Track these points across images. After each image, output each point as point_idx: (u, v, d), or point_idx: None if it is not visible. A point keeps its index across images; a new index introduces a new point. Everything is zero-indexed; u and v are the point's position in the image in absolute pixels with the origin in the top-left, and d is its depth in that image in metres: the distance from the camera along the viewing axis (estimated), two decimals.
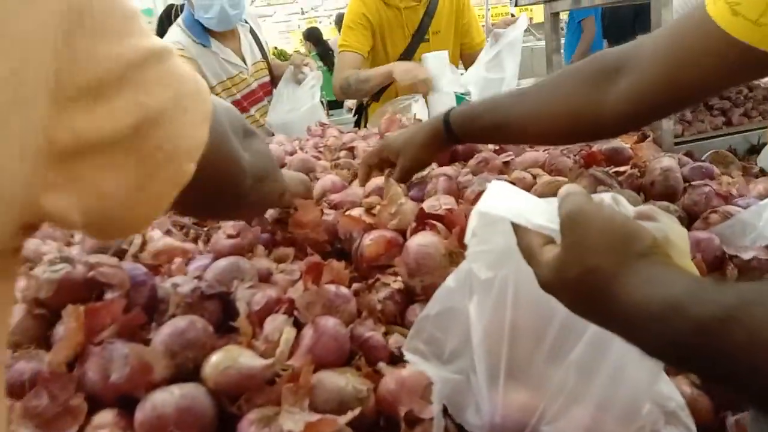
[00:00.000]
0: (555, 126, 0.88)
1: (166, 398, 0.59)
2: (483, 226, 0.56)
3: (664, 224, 0.48)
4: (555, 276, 0.48)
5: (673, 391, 0.57)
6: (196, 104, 0.46)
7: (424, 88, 1.91)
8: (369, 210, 0.92)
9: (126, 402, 0.61)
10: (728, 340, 0.36)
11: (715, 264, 0.77)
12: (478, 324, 0.59)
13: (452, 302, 0.61)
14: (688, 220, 0.88)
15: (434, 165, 1.18)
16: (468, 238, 0.58)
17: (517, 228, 0.52)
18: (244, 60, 2.16)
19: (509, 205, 0.53)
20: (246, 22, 2.21)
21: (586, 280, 0.45)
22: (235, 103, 2.14)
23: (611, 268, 0.44)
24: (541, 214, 0.51)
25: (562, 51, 2.00)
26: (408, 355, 0.63)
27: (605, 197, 0.50)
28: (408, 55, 2.29)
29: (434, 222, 0.80)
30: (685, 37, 0.73)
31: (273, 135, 1.93)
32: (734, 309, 0.37)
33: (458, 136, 0.98)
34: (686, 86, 0.74)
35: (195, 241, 0.93)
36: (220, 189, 0.56)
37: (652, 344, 0.42)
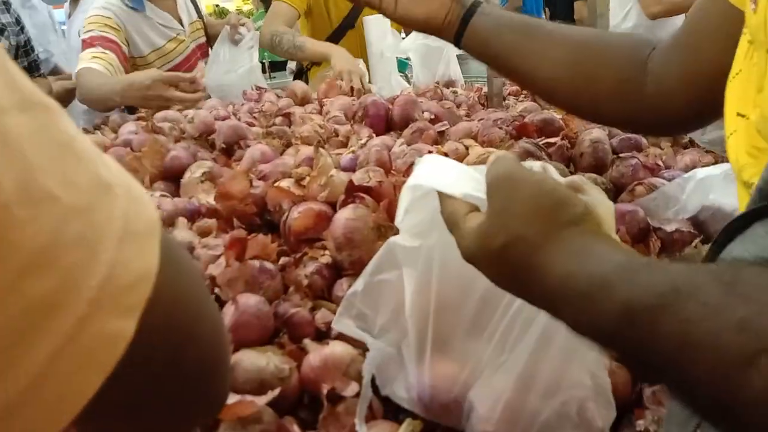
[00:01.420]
0: (588, 80, 0.78)
1: None
2: (414, 201, 0.55)
3: (592, 197, 0.47)
4: (478, 245, 0.45)
5: (599, 367, 0.57)
6: (131, 207, 0.26)
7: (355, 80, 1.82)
8: (299, 181, 0.90)
9: None
10: (655, 330, 0.34)
11: (639, 236, 0.79)
12: (406, 295, 0.58)
13: (380, 276, 0.60)
14: (615, 192, 0.89)
15: (369, 134, 1.16)
16: (400, 216, 0.56)
17: (441, 197, 0.50)
18: (181, 22, 2.05)
19: (438, 177, 0.51)
20: None
21: (510, 249, 0.42)
22: (174, 69, 2.04)
23: (538, 238, 0.42)
24: (468, 182, 0.49)
25: None
26: (339, 327, 0.61)
27: (534, 166, 0.49)
28: (351, 18, 2.23)
29: (363, 195, 0.78)
30: (700, 17, 0.71)
31: (209, 98, 1.85)
32: (665, 298, 0.34)
33: (473, 18, 0.84)
34: (706, 71, 0.69)
35: None
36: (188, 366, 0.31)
37: (576, 322, 0.40)
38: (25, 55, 2.14)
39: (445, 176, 0.51)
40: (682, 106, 0.74)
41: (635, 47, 0.79)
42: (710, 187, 0.81)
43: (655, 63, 0.76)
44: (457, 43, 0.87)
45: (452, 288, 0.56)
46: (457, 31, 0.86)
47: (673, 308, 0.33)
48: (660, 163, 0.99)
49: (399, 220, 0.56)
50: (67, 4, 2.52)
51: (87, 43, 1.81)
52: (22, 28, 2.12)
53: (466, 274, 0.50)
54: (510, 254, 0.43)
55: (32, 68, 2.18)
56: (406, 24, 0.93)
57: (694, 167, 0.96)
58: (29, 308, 0.21)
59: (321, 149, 0.90)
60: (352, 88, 1.67)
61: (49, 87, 2.18)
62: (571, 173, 0.92)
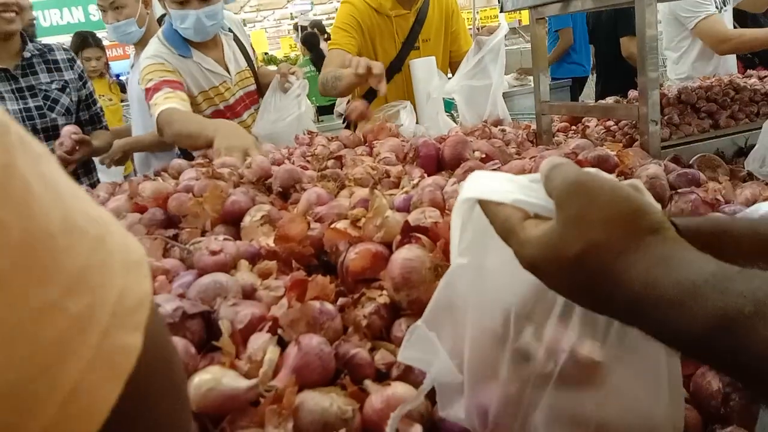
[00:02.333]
0: None
1: None
2: (465, 219, 0.53)
3: (654, 202, 0.46)
4: (546, 254, 0.43)
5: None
6: (119, 240, 0.29)
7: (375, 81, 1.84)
8: (354, 222, 0.91)
9: None
10: (753, 337, 0.33)
11: None
12: (466, 320, 0.57)
13: (443, 305, 0.59)
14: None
15: (421, 174, 1.17)
16: (455, 239, 0.55)
17: (490, 206, 0.48)
18: (227, 69, 2.14)
19: (484, 187, 0.50)
20: (229, 30, 2.19)
21: (589, 257, 0.41)
22: (218, 113, 2.12)
23: (618, 244, 0.40)
24: (518, 189, 0.48)
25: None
26: (403, 357, 0.60)
27: (590, 170, 0.47)
28: (398, 62, 2.29)
29: (419, 235, 0.79)
30: None
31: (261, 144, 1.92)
32: (764, 304, 0.33)
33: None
34: None
35: (182, 259, 0.92)
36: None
37: (660, 330, 0.39)
38: (86, 108, 2.26)
39: (491, 186, 0.49)
40: None
41: None
42: None
43: None
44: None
45: (495, 310, 0.55)
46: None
47: None
48: (719, 197, 0.97)
49: (455, 242, 0.55)
50: (132, 54, 2.66)
51: (153, 90, 1.90)
52: (85, 83, 2.25)
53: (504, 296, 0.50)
54: (587, 262, 0.41)
55: (94, 120, 2.30)
56: None
57: (754, 201, 0.94)
58: (72, 325, 0.24)
59: (375, 191, 0.92)
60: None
61: (112, 138, 2.30)
62: None
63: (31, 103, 2.04)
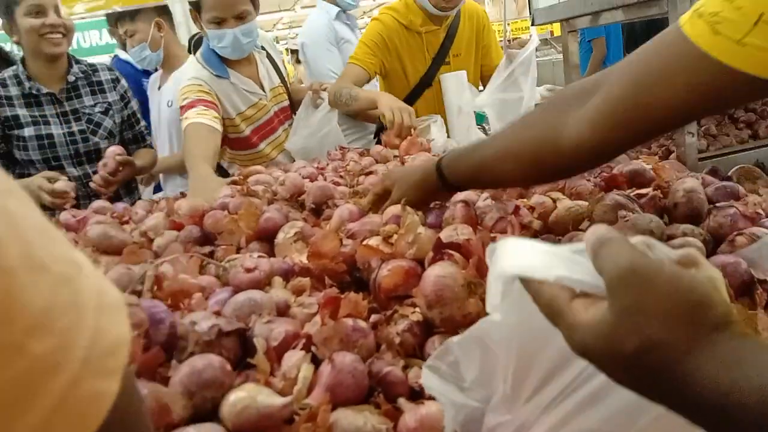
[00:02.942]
0: (519, 162, 0.85)
1: None
2: (505, 291, 0.51)
3: (707, 270, 0.42)
4: (600, 345, 0.40)
5: None
6: (93, 283, 0.28)
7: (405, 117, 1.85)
8: (387, 239, 0.92)
9: None
10: None
11: (743, 289, 0.75)
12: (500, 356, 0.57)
13: (484, 335, 0.59)
14: (714, 243, 0.86)
15: None
16: (493, 307, 0.52)
17: (530, 283, 0.46)
18: (262, 87, 2.18)
19: (523, 261, 0.47)
20: (262, 48, 2.24)
21: (649, 355, 0.38)
22: (257, 130, 2.16)
23: (682, 344, 0.37)
24: (562, 263, 0.45)
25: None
26: (426, 374, 0.59)
27: (636, 241, 0.44)
28: (429, 78, 2.30)
29: (452, 252, 0.79)
30: (658, 56, 0.68)
31: (294, 161, 1.94)
32: None
33: (449, 181, 0.96)
34: (655, 107, 0.68)
35: (217, 276, 0.94)
36: None
37: None
38: (129, 127, 2.30)
39: (530, 261, 0.46)
40: (609, 143, 0.76)
41: (565, 103, 0.80)
42: None
43: (593, 102, 0.75)
44: (444, 185, 0.98)
45: (538, 356, 0.53)
46: (438, 174, 0.98)
47: None
48: (760, 211, 0.94)
49: (493, 303, 0.52)
50: (154, 76, 2.72)
51: (187, 107, 1.95)
52: (127, 103, 2.29)
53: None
54: (648, 360, 0.38)
55: (138, 139, 2.34)
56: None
57: None
58: (33, 367, 0.23)
59: (408, 207, 0.92)
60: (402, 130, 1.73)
61: (155, 157, 2.34)
62: (665, 225, 0.89)
63: (75, 127, 2.08)
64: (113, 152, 1.91)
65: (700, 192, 0.93)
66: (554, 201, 0.96)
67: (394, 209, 1.02)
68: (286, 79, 2.36)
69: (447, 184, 0.97)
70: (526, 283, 0.46)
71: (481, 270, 0.75)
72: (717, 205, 0.91)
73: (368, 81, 2.24)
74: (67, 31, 2.03)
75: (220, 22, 1.97)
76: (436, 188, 1.00)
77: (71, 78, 2.10)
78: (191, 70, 2.08)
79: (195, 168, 1.73)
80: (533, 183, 1.01)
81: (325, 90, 2.14)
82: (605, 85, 0.74)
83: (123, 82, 2.28)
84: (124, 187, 2.23)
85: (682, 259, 0.42)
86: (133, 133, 2.31)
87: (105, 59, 4.43)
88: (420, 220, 0.93)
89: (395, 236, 0.90)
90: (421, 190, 1.02)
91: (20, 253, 0.24)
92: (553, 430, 0.50)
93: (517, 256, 0.48)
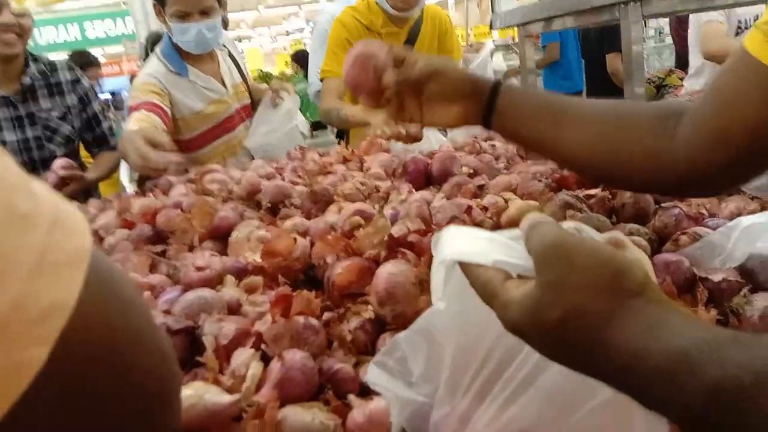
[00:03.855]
0: (597, 150, 0.78)
1: None
2: (447, 276, 0.52)
3: (634, 253, 0.45)
4: (528, 318, 0.42)
5: None
6: (54, 235, 0.27)
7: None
8: (351, 230, 0.91)
9: None
10: (751, 410, 0.32)
11: (685, 287, 0.78)
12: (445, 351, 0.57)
13: (430, 326, 0.59)
14: (659, 242, 0.88)
15: (409, 189, 1.18)
16: (438, 294, 0.54)
17: (469, 268, 0.47)
18: (224, 83, 2.16)
19: (463, 247, 0.48)
20: (224, 46, 2.22)
21: (571, 323, 0.40)
22: (215, 128, 2.13)
23: (602, 309, 0.39)
24: (497, 248, 0.47)
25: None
26: (373, 370, 0.61)
27: (567, 226, 0.47)
28: None
29: (405, 250, 0.79)
30: (729, 74, 0.70)
31: (252, 159, 1.93)
32: (763, 375, 0.32)
33: (496, 110, 0.83)
34: (737, 127, 0.68)
35: (168, 275, 0.92)
36: (135, 396, 0.31)
37: (651, 400, 0.37)
38: (90, 130, 2.19)
39: (470, 247, 0.48)
40: (714, 168, 0.73)
41: (662, 115, 0.77)
42: (757, 234, 0.79)
43: (685, 128, 0.75)
44: (487, 127, 0.87)
45: (474, 350, 0.54)
46: (484, 118, 0.86)
47: None
48: (704, 211, 0.98)
49: (437, 292, 0.54)
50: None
51: (133, 108, 1.91)
52: (87, 105, 2.17)
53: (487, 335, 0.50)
54: (570, 329, 0.40)
55: (100, 141, 2.22)
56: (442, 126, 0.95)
57: (739, 215, 0.95)
58: None
59: (383, 211, 0.92)
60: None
61: (117, 160, 2.26)
62: (613, 224, 0.91)
63: (29, 134, 1.98)
64: (58, 166, 1.78)
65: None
66: (506, 201, 0.97)
67: (357, 205, 1.02)
68: (248, 77, 2.34)
69: (491, 111, 0.84)
70: (465, 267, 0.47)
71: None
72: (662, 205, 0.94)
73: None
74: (23, 32, 1.92)
75: (184, 17, 1.94)
76: (476, 107, 0.85)
77: (27, 80, 1.99)
78: (150, 65, 2.04)
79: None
80: (602, 177, 0.88)
81: (285, 90, 2.13)
82: (690, 111, 0.74)
83: (84, 82, 2.17)
84: (83, 194, 2.13)
85: (609, 241, 0.45)
86: (95, 135, 2.21)
87: (62, 57, 4.32)
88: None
89: (361, 231, 0.89)
90: (460, 100, 0.86)
91: None
92: (493, 420, 0.51)
93: (458, 243, 0.49)
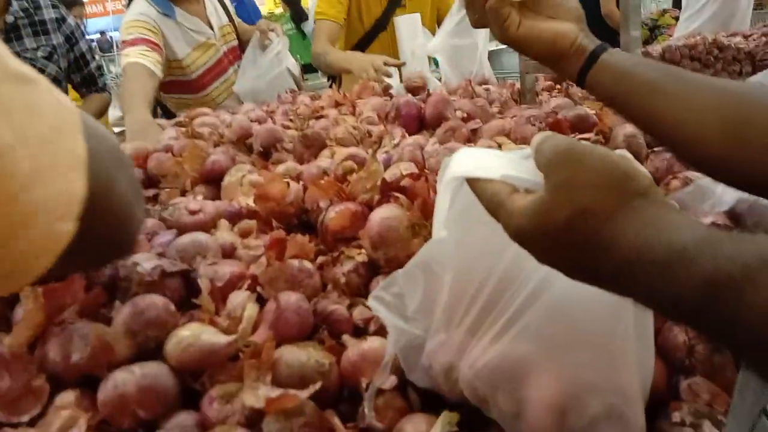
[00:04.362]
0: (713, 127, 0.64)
1: (128, 377, 0.59)
2: (453, 197, 0.53)
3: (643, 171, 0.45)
4: (534, 222, 0.42)
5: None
6: (63, 146, 0.37)
7: (379, 78, 1.85)
8: (344, 175, 0.91)
9: (88, 382, 0.61)
10: (741, 303, 0.33)
11: None
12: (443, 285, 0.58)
13: (429, 258, 0.59)
14: None
15: (402, 134, 1.17)
16: (441, 216, 0.55)
17: (478, 183, 0.47)
18: (210, 26, 2.10)
19: (473, 165, 0.49)
20: None
21: (577, 223, 0.40)
22: (209, 70, 2.09)
23: (608, 209, 0.40)
24: (506, 164, 0.47)
25: None
26: (372, 303, 0.62)
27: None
28: (384, 20, 2.26)
29: (398, 194, 0.80)
30: None
31: (242, 103, 1.90)
32: (753, 270, 0.33)
33: (599, 61, 0.73)
34: None
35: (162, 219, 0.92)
36: (110, 245, 0.46)
37: (650, 296, 0.39)
38: (78, 70, 2.14)
39: (480, 163, 0.49)
40: None
41: None
42: None
43: None
44: (581, 77, 0.75)
45: (467, 275, 0.56)
46: (585, 62, 0.75)
47: (760, 280, 0.33)
48: None
49: (440, 217, 0.55)
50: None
51: (130, 43, 1.86)
52: (74, 44, 2.10)
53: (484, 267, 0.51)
54: (576, 228, 0.41)
55: (88, 82, 2.17)
56: (527, 46, 0.78)
57: None
58: (26, 212, 0.34)
59: (376, 155, 0.91)
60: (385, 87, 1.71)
61: (106, 102, 2.22)
62: None
63: None
64: None
65: (639, 137, 0.96)
66: (500, 146, 0.97)
67: (350, 150, 1.02)
68: (234, 18, 2.28)
69: (580, 62, 0.74)
70: (473, 183, 0.48)
71: (426, 212, 0.77)
72: (654, 149, 0.94)
73: (340, 30, 2.21)
74: None
75: None
76: (570, 60, 0.75)
77: (10, 18, 1.91)
78: (139, 5, 1.98)
79: (134, 110, 1.65)
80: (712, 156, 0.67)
81: (272, 31, 2.08)
82: None
83: (70, 20, 2.09)
84: None
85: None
86: (83, 75, 2.15)
87: None
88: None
89: (354, 175, 0.89)
90: (553, 47, 0.76)
91: (14, 135, 0.33)
92: (486, 350, 0.53)
93: (467, 162, 0.50)
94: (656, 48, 1.78)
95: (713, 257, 0.35)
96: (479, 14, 0.81)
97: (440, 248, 0.57)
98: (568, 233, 0.41)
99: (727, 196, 0.81)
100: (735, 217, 0.80)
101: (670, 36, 3.12)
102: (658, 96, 0.69)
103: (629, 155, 0.48)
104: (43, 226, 0.35)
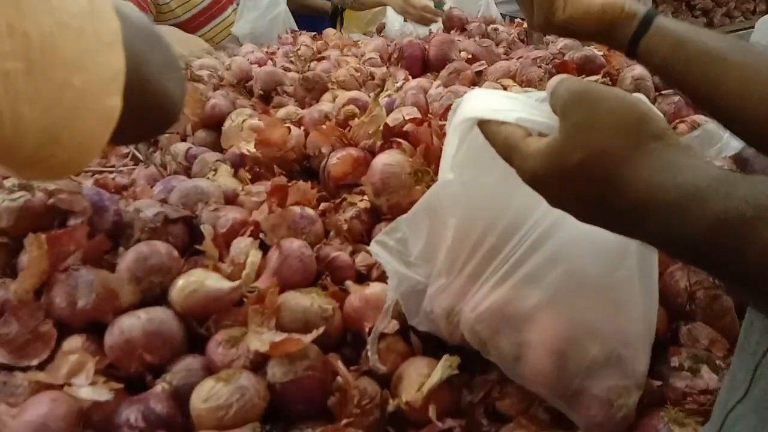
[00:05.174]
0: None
1: (134, 322, 0.60)
2: (462, 139, 0.52)
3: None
4: (549, 163, 0.42)
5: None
6: (99, 25, 0.39)
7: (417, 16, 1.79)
8: (345, 120, 0.90)
9: (94, 327, 0.62)
10: (753, 242, 0.33)
11: None
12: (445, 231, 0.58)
13: (434, 201, 0.59)
14: None
15: (405, 76, 1.15)
16: (448, 158, 0.54)
17: (489, 125, 0.46)
18: None
19: (486, 106, 0.48)
20: None
21: (593, 163, 0.40)
22: (203, 11, 2.03)
23: (624, 150, 0.39)
24: (523, 108, 0.46)
25: None
26: (373, 247, 0.62)
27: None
28: None
29: (400, 140, 0.79)
30: None
31: (241, 46, 1.85)
32: (765, 209, 0.33)
33: (651, 29, 0.67)
34: None
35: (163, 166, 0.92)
36: (152, 118, 0.50)
37: (661, 235, 0.39)
38: None
39: (493, 105, 0.48)
40: None
41: None
42: None
43: None
44: (633, 44, 0.69)
45: (471, 219, 0.56)
46: (637, 27, 0.68)
47: None
48: None
49: (447, 158, 0.54)
50: None
51: None
52: None
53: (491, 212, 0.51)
54: (590, 169, 0.40)
55: None
56: (579, 25, 0.72)
57: None
58: (79, 93, 0.37)
59: (378, 99, 0.89)
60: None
61: None
62: None
63: None
64: None
65: (648, 80, 0.94)
66: (505, 88, 0.95)
67: (351, 93, 1.00)
68: None
69: (645, 28, 0.67)
70: (485, 125, 0.47)
71: (428, 158, 0.76)
72: (662, 92, 0.92)
73: None
74: None
75: None
76: (620, 28, 0.69)
77: None
78: None
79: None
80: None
81: None
82: None
83: None
84: None
85: None
86: None
87: None
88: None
89: (356, 120, 0.88)
90: (603, 19, 0.70)
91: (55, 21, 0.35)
92: (490, 293, 0.53)
93: (479, 102, 0.48)
94: None
95: (726, 198, 0.35)
96: (526, 8, 0.75)
97: (446, 190, 0.57)
98: (583, 174, 0.41)
99: (735, 140, 0.79)
100: (742, 162, 0.79)
101: None
102: (723, 65, 0.63)
103: (644, 98, 0.47)
104: (95, 104, 0.39)
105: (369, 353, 0.61)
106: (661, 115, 0.42)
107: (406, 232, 0.61)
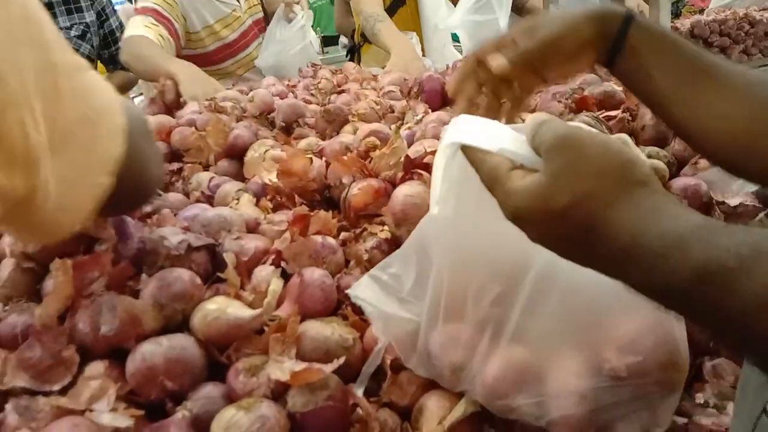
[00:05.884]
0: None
1: (155, 349, 0.60)
2: (449, 164, 0.52)
3: (639, 153, 0.47)
4: (533, 205, 0.42)
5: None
6: (109, 118, 0.49)
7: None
8: (366, 151, 0.91)
9: (116, 353, 0.62)
10: (734, 291, 0.34)
11: (702, 210, 0.77)
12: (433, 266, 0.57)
13: (422, 237, 0.59)
14: (678, 165, 0.88)
15: (425, 110, 1.16)
16: (437, 182, 0.54)
17: (474, 152, 0.47)
18: None
19: (471, 133, 0.47)
20: None
21: (576, 209, 0.41)
22: (229, 45, 2.08)
23: (609, 195, 0.40)
24: (508, 137, 0.46)
25: None
26: (366, 283, 0.61)
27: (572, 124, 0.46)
28: None
29: (421, 171, 0.79)
30: None
31: (264, 77, 1.89)
32: (747, 259, 0.33)
33: (626, 46, 0.65)
34: None
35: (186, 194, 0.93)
36: (134, 196, 0.64)
37: (645, 282, 0.39)
38: (106, 47, 2.15)
39: (478, 132, 0.47)
40: None
41: None
42: None
43: None
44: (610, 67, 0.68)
45: (467, 259, 0.55)
46: (609, 57, 0.67)
47: (754, 270, 0.33)
48: None
49: (435, 189, 0.54)
50: None
51: (140, 11, 1.85)
52: (104, 21, 2.11)
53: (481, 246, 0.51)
54: (575, 214, 0.41)
55: (115, 59, 2.18)
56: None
57: None
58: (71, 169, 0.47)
59: (401, 130, 0.90)
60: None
61: (129, 79, 2.23)
62: None
63: None
64: None
65: None
66: (524, 122, 0.96)
67: (372, 126, 1.01)
68: None
69: (619, 46, 0.65)
70: (470, 152, 0.47)
71: None
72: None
73: None
74: None
75: None
76: (603, 44, 0.66)
77: None
78: None
79: (171, 61, 1.63)
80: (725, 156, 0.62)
81: (297, 3, 2.06)
82: None
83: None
84: None
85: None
86: (110, 53, 2.17)
87: None
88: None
89: (377, 152, 0.89)
90: (587, 49, 0.67)
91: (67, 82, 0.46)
92: (508, 350, 0.53)
93: (465, 127, 0.49)
94: (685, 23, 1.73)
95: (707, 247, 0.36)
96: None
97: (432, 226, 0.56)
98: (568, 217, 0.41)
99: None
100: (764, 198, 0.78)
101: (692, 6, 3.03)
102: (677, 104, 0.63)
103: (629, 140, 0.48)
104: (91, 180, 0.47)
105: (356, 390, 0.60)
106: (647, 160, 0.43)
107: (398, 268, 0.61)
